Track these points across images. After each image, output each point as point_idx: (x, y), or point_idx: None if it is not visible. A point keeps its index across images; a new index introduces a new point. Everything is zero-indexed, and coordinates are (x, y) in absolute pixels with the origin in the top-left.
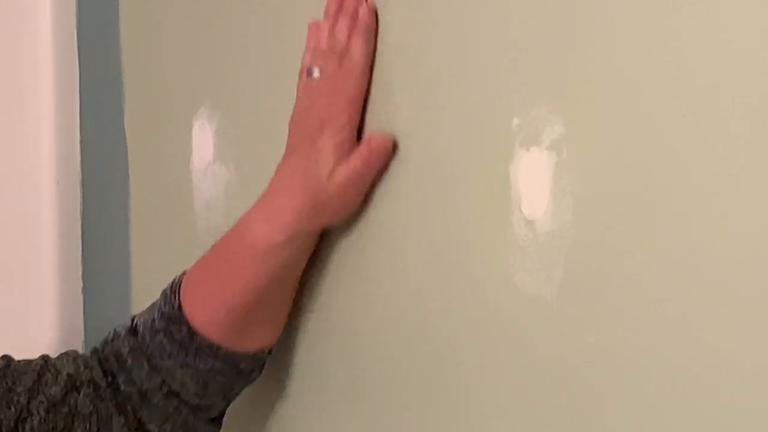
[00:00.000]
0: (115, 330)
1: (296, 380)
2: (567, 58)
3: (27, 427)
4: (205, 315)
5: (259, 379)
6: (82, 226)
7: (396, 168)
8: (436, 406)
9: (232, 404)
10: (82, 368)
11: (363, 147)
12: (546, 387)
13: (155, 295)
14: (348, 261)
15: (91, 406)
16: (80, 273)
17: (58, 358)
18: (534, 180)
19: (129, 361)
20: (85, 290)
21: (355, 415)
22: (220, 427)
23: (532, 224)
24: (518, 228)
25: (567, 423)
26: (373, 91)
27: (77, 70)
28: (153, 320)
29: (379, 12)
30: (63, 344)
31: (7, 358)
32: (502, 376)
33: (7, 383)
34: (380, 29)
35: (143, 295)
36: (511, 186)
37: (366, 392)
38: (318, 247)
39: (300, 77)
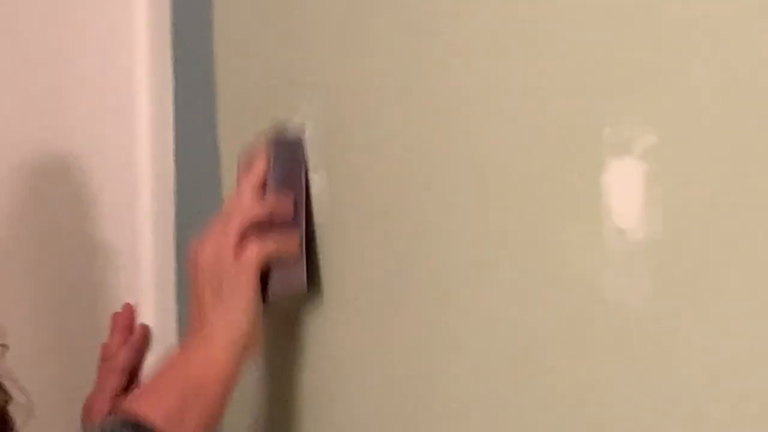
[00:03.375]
0: None
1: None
2: (659, 67)
3: None
4: None
5: None
6: (176, 231)
7: (489, 176)
8: (520, 416)
9: None
10: None
11: None
12: (634, 397)
13: None
14: (436, 269)
15: None
16: (174, 280)
17: None
18: (625, 189)
19: None
20: (179, 299)
21: (436, 420)
22: None
23: (623, 234)
24: (609, 237)
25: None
26: (465, 93)
27: (171, 77)
28: None
29: (464, 19)
30: (157, 357)
31: None
32: (590, 385)
33: None
34: (466, 36)
35: None
36: (602, 195)
37: (446, 400)
38: (405, 251)
39: None
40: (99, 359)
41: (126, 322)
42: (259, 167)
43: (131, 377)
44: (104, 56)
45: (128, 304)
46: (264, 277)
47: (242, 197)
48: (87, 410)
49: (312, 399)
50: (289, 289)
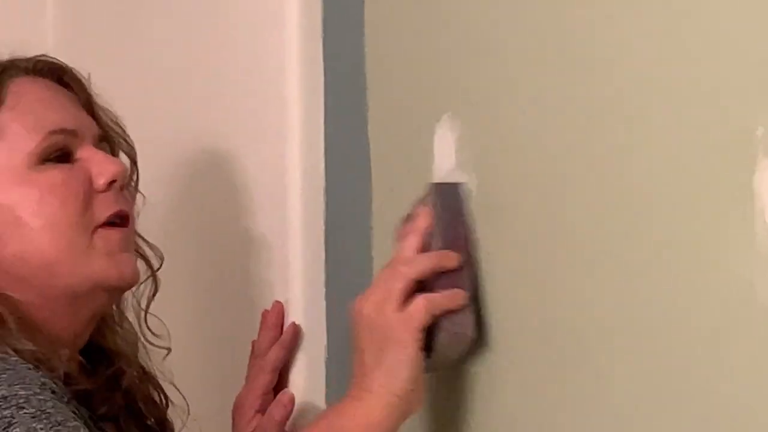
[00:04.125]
0: None
1: None
2: None
3: None
4: None
5: None
6: (326, 230)
7: (641, 177)
8: (663, 420)
9: None
10: None
11: None
12: None
13: None
14: (590, 266)
15: None
16: (323, 278)
17: None
18: None
19: None
20: (328, 296)
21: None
22: None
23: None
24: (762, 238)
25: None
26: (617, 95)
27: (322, 75)
28: None
29: (613, 20)
30: (306, 355)
31: None
32: (742, 389)
33: None
34: (615, 37)
35: None
36: (754, 195)
37: (595, 402)
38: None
39: None
40: (250, 356)
41: (275, 319)
42: (423, 220)
43: (280, 376)
44: (257, 56)
45: (278, 302)
46: (428, 332)
47: (406, 252)
48: (237, 408)
49: None
50: (456, 343)
